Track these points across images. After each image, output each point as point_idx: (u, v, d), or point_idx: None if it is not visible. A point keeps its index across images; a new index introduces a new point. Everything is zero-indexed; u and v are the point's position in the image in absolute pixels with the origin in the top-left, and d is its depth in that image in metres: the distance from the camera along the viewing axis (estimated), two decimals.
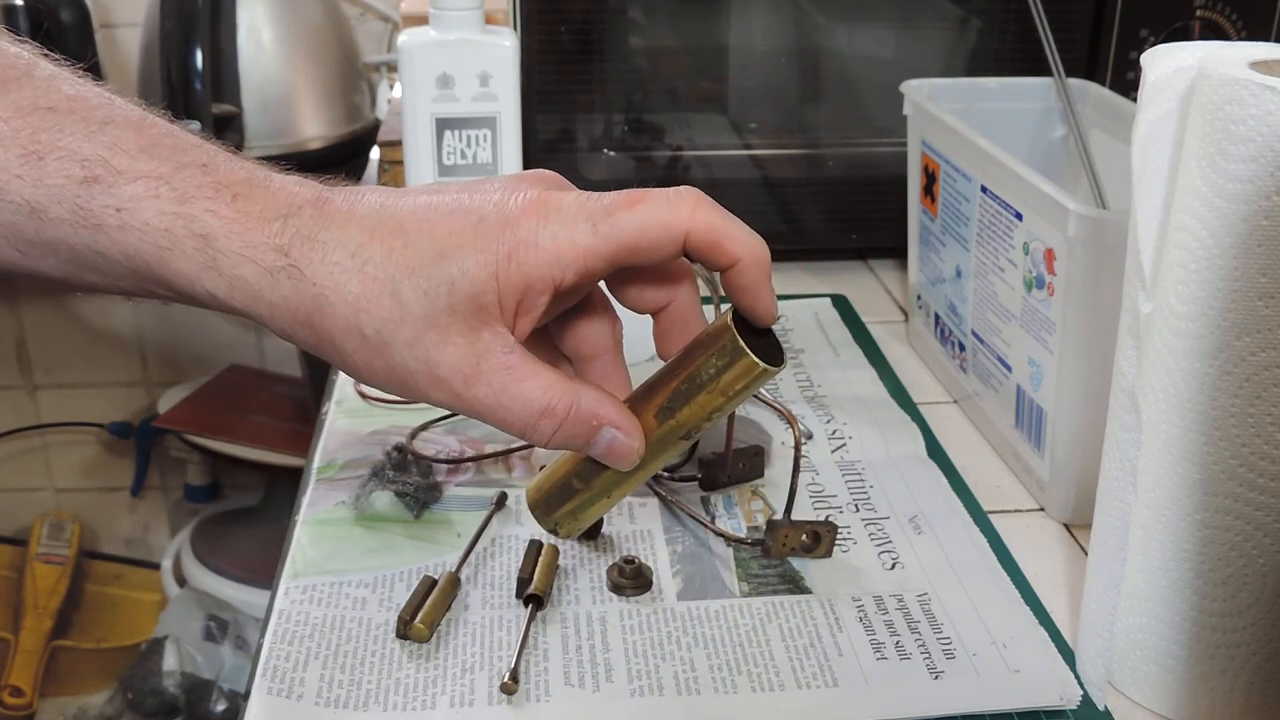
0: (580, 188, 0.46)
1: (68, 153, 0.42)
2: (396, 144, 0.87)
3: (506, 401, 0.44)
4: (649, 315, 0.49)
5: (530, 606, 0.56)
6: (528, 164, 0.85)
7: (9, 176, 0.42)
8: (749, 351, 0.45)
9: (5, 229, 0.43)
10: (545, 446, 0.46)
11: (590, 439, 0.46)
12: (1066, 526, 0.65)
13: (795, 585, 0.59)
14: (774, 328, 0.47)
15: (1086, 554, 0.55)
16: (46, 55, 0.45)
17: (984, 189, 0.69)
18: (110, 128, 0.43)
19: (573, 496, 0.48)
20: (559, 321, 0.49)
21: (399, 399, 0.51)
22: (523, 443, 0.69)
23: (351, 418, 0.72)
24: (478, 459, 0.68)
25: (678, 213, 0.44)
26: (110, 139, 0.43)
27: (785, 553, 0.60)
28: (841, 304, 0.90)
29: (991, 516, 0.65)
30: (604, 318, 0.49)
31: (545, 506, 0.48)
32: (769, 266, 0.47)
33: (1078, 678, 0.53)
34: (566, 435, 0.45)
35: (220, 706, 1.46)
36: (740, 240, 0.46)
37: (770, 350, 0.47)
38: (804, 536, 0.60)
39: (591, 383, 0.48)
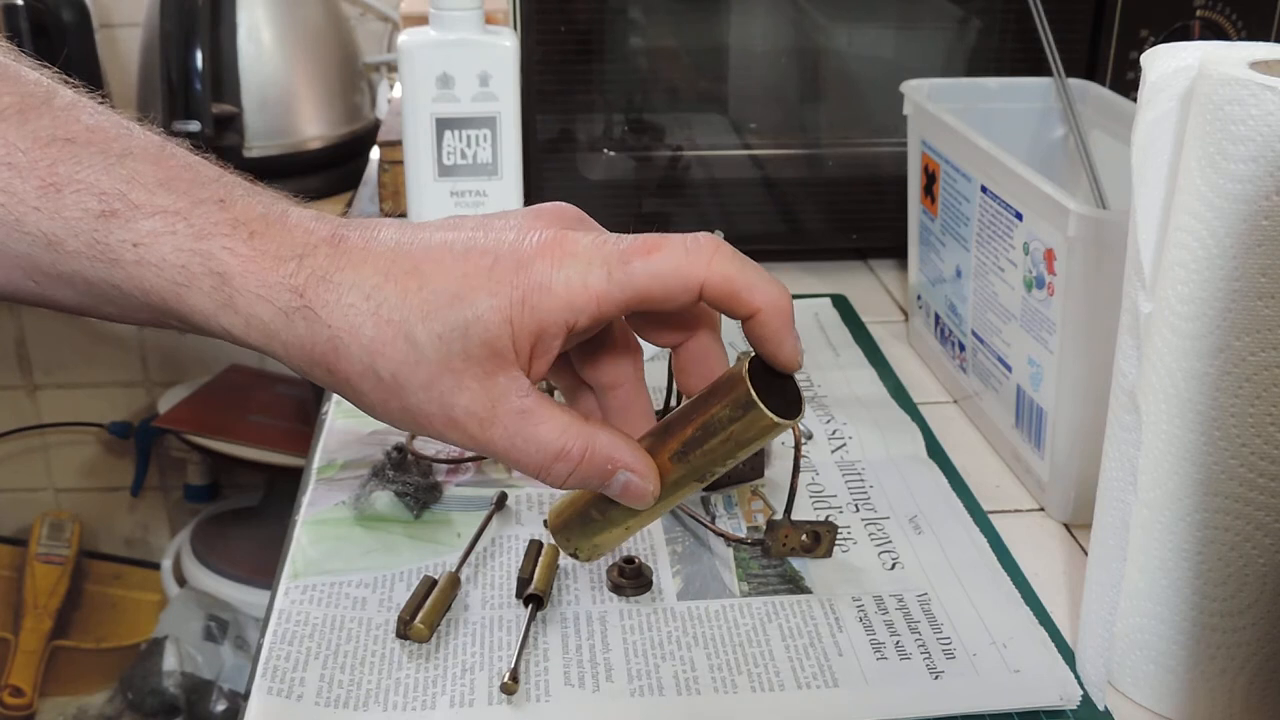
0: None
1: (86, 186, 0.42)
2: (396, 144, 0.87)
3: (521, 445, 0.44)
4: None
5: (530, 606, 0.56)
6: (528, 164, 0.85)
7: (27, 208, 0.41)
8: (761, 405, 0.45)
9: (22, 260, 0.42)
10: (561, 488, 0.46)
11: (606, 481, 0.46)
12: (1066, 526, 0.65)
13: (795, 585, 0.59)
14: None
15: (1086, 554, 0.55)
16: (66, 82, 0.44)
17: (984, 189, 0.69)
18: (129, 160, 0.43)
19: (592, 526, 0.48)
20: (580, 350, 0.48)
21: None
22: None
23: (351, 418, 0.72)
24: (478, 459, 0.68)
25: (694, 262, 0.44)
26: (129, 172, 0.42)
27: (785, 553, 0.60)
28: (841, 304, 0.90)
29: (991, 516, 0.65)
30: (625, 348, 0.48)
31: (566, 533, 0.49)
32: (791, 314, 0.47)
33: (1078, 678, 0.53)
34: (582, 478, 0.45)
35: (220, 706, 1.46)
36: (760, 290, 0.45)
37: (788, 398, 0.47)
38: (804, 536, 0.61)
39: (614, 409, 0.48)
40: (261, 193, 0.45)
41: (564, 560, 0.59)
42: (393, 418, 0.44)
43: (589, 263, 0.43)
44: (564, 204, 0.47)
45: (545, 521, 0.49)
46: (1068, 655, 0.54)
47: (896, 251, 0.94)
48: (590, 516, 0.48)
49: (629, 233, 0.44)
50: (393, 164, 0.92)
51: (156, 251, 0.42)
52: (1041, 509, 0.66)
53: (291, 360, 0.43)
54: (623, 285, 0.43)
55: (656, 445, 0.47)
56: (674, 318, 0.47)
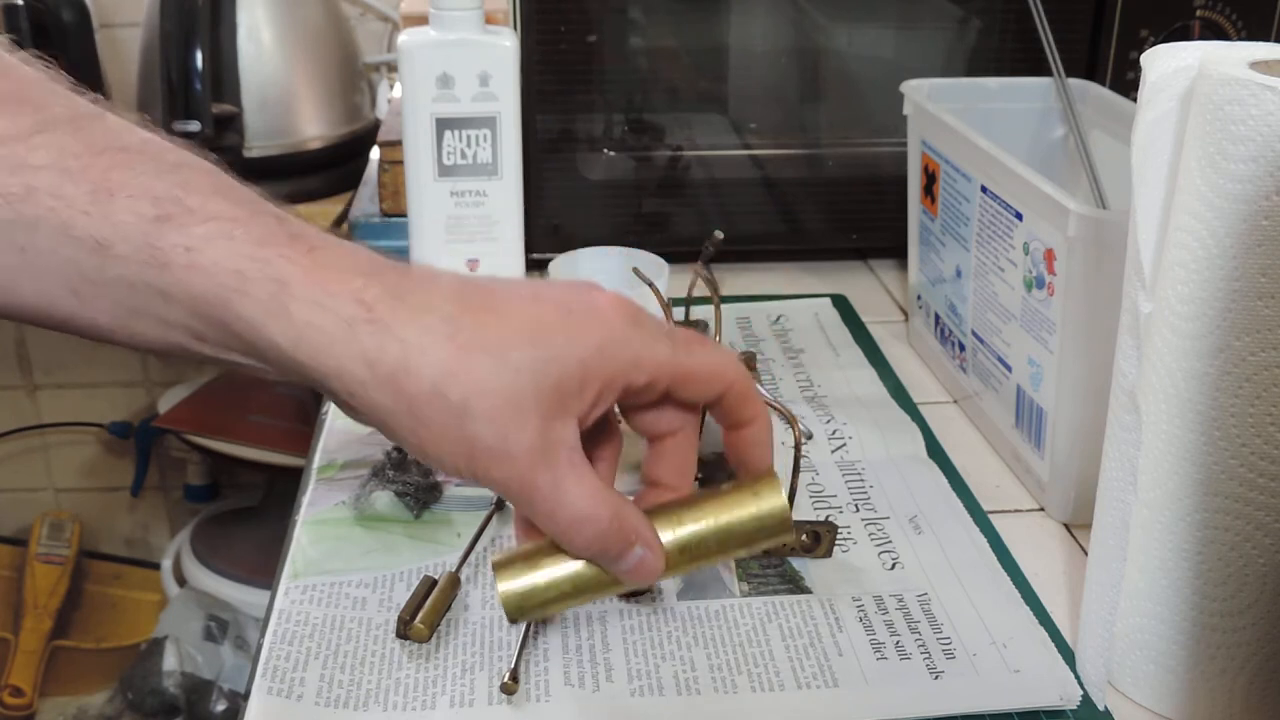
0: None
1: (140, 190, 0.41)
2: (396, 144, 0.87)
3: (558, 496, 0.45)
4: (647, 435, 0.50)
5: None
6: (528, 164, 0.85)
7: (76, 212, 0.41)
8: (792, 530, 0.50)
9: (66, 267, 0.41)
10: (578, 552, 0.47)
11: (622, 555, 0.47)
12: (1066, 526, 0.65)
13: (795, 585, 0.59)
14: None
15: (1086, 554, 0.55)
16: (113, 110, 0.44)
17: (984, 189, 0.69)
18: (184, 170, 0.42)
19: (555, 594, 0.48)
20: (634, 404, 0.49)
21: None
22: None
23: None
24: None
25: (731, 365, 0.48)
26: (183, 179, 0.42)
27: (785, 553, 0.60)
28: (841, 304, 0.90)
29: (991, 516, 0.65)
30: (681, 406, 0.50)
31: (521, 598, 0.48)
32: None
33: (1078, 678, 0.53)
34: (601, 545, 0.46)
35: (220, 706, 1.46)
36: (759, 402, 0.50)
37: None
38: (804, 536, 0.61)
39: (662, 454, 0.50)
40: (308, 221, 0.45)
41: None
42: (443, 447, 0.44)
43: (656, 334, 0.46)
44: (586, 281, 0.49)
45: (492, 565, 0.49)
46: (1068, 655, 0.54)
47: (896, 251, 0.94)
48: (558, 587, 0.48)
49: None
50: (393, 164, 0.92)
51: (210, 255, 0.41)
52: (1041, 509, 0.66)
53: (343, 378, 0.42)
54: (680, 362, 0.46)
55: (662, 527, 0.48)
56: (672, 409, 0.49)
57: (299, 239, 0.42)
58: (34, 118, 0.41)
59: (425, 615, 0.55)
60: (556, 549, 0.48)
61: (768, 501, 0.49)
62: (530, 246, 0.87)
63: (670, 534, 0.48)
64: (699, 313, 0.82)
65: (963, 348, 0.75)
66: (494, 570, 0.49)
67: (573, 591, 0.48)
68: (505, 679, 0.51)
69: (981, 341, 0.72)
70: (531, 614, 0.49)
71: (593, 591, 0.49)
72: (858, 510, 0.65)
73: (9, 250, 0.40)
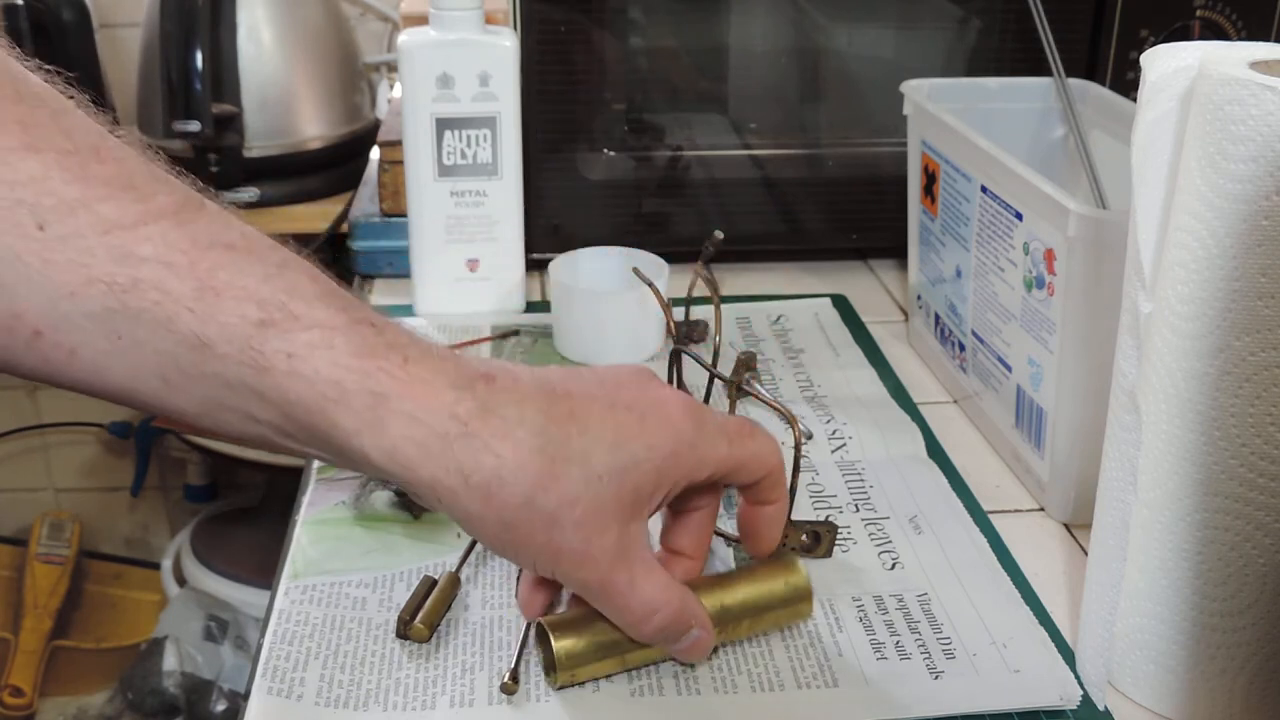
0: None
1: (246, 293, 0.41)
2: (396, 144, 0.87)
3: (633, 591, 0.48)
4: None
5: None
6: (528, 164, 0.85)
7: (180, 308, 0.40)
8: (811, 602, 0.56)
9: (161, 358, 0.41)
10: (645, 638, 0.50)
11: (680, 636, 0.51)
12: (1066, 526, 0.65)
13: None
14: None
15: (1086, 554, 0.55)
16: (211, 197, 0.44)
17: (984, 189, 0.69)
18: (288, 271, 0.42)
19: (603, 663, 0.52)
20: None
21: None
22: None
23: None
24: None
25: (774, 452, 0.52)
26: (288, 283, 0.42)
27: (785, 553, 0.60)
28: (841, 304, 0.90)
29: (991, 516, 0.65)
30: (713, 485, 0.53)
31: (573, 666, 0.52)
32: None
33: (1078, 678, 0.53)
34: (667, 632, 0.50)
35: (220, 706, 1.46)
36: (785, 485, 0.54)
37: None
38: (804, 536, 0.61)
39: (686, 527, 0.54)
40: (396, 323, 0.45)
41: None
42: (528, 552, 0.46)
43: (717, 432, 0.49)
44: (641, 366, 0.52)
45: (541, 628, 0.52)
46: (1068, 655, 0.54)
47: (896, 251, 0.94)
48: (612, 655, 0.52)
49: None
50: (393, 164, 0.91)
51: (311, 364, 0.42)
52: (1041, 509, 0.66)
53: (438, 490, 0.44)
54: (735, 455, 0.50)
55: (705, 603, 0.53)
56: (705, 491, 0.53)
57: (394, 349, 0.43)
58: (141, 207, 0.40)
59: (425, 615, 0.55)
60: (601, 618, 0.51)
61: (795, 578, 0.55)
62: (530, 246, 0.87)
63: (713, 610, 0.53)
64: (699, 313, 0.82)
65: (963, 348, 0.75)
66: (550, 630, 0.51)
67: (619, 665, 0.52)
68: (505, 679, 0.51)
69: (981, 341, 0.72)
70: (581, 675, 0.52)
71: (637, 663, 0.53)
72: (858, 510, 0.65)
73: (107, 337, 0.40)
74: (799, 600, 0.55)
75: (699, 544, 0.54)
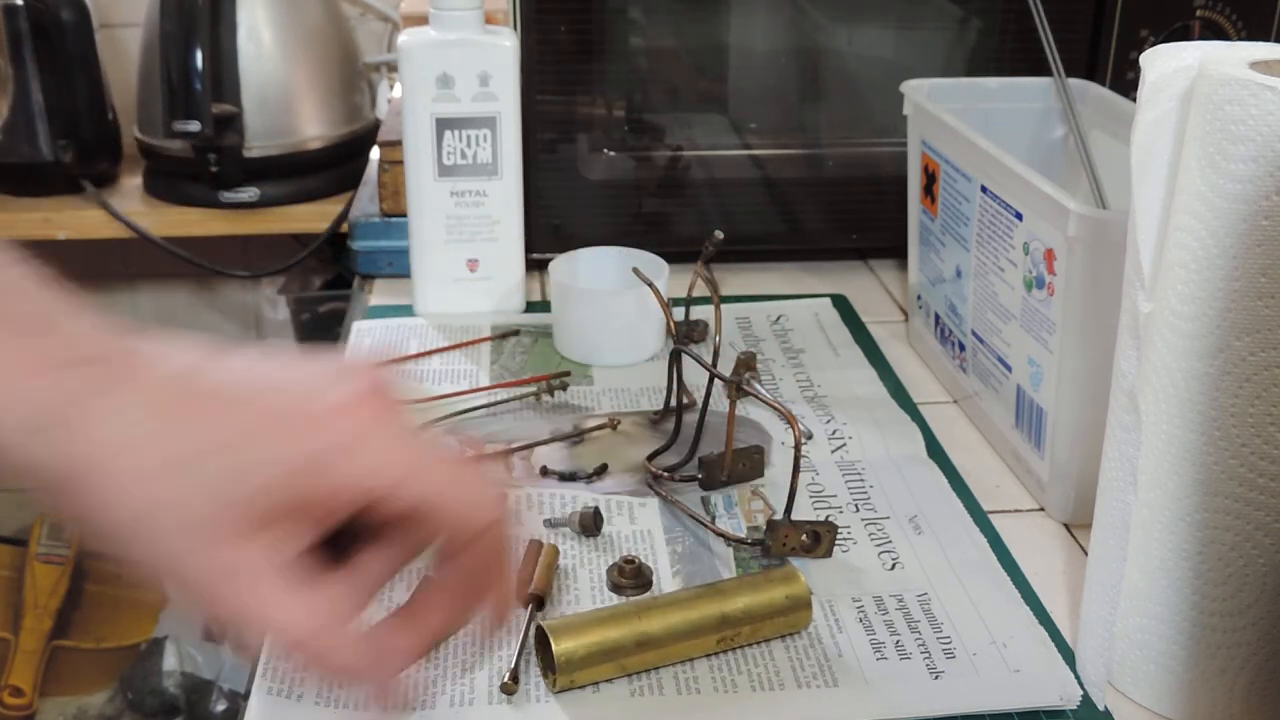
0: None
1: None
2: (396, 144, 0.87)
3: (258, 611, 0.41)
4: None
5: (530, 606, 0.56)
6: (528, 164, 0.85)
7: None
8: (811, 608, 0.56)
9: None
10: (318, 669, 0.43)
11: (330, 671, 0.43)
12: (1066, 526, 0.65)
13: None
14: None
15: (1086, 554, 0.55)
16: None
17: (984, 189, 0.69)
18: None
19: (606, 666, 0.52)
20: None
21: None
22: (524, 442, 0.69)
23: None
24: (477, 459, 0.67)
25: (481, 506, 0.44)
26: None
27: (785, 553, 0.60)
28: (841, 304, 0.90)
29: (991, 516, 0.65)
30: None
31: (572, 670, 0.52)
32: None
33: (1078, 678, 0.53)
34: (307, 659, 0.42)
35: (220, 706, 1.46)
36: (504, 558, 0.47)
37: None
38: (804, 536, 0.61)
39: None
40: (48, 294, 0.40)
41: (564, 560, 0.59)
42: (141, 558, 0.40)
43: (406, 462, 0.42)
44: (377, 381, 0.44)
45: (541, 631, 0.52)
46: (1068, 655, 0.54)
47: (896, 251, 0.94)
48: (609, 654, 0.52)
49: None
50: (393, 164, 0.92)
51: None
52: (1041, 509, 0.66)
53: (26, 481, 0.39)
54: (410, 493, 0.42)
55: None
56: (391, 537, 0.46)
57: (3, 322, 0.39)
58: None
59: None
60: (601, 623, 0.52)
61: (795, 589, 0.55)
62: (530, 246, 0.87)
63: (713, 618, 0.53)
64: (699, 313, 0.82)
65: (963, 348, 0.75)
66: (550, 634, 0.52)
67: (619, 670, 0.52)
68: (505, 679, 0.51)
69: (981, 341, 0.72)
70: (580, 678, 0.52)
71: (636, 668, 0.53)
72: (858, 510, 0.65)
73: None
74: (798, 609, 0.55)
75: (364, 592, 0.45)
